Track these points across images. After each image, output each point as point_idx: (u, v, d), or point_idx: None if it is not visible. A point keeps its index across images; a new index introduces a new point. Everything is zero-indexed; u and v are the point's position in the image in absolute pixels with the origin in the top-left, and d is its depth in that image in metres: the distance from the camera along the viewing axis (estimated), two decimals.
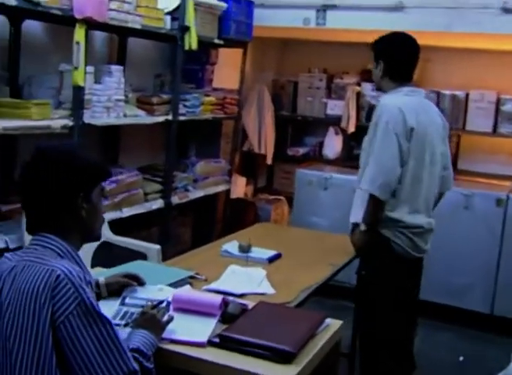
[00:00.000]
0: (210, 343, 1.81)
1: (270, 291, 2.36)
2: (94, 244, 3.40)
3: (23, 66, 3.47)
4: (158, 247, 3.31)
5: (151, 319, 1.78)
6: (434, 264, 4.41)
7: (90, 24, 3.24)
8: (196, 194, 4.61)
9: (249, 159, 6.22)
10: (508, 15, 4.35)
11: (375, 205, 2.77)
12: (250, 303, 2.11)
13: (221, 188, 5.03)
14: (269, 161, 6.13)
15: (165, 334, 1.81)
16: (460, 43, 5.00)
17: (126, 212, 3.81)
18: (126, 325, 1.83)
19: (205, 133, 5.19)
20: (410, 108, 2.79)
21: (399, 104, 2.79)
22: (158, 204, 4.13)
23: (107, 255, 3.48)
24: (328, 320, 2.01)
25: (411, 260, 2.94)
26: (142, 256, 3.30)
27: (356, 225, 2.95)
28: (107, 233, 3.43)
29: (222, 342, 1.80)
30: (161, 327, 1.79)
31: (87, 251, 3.35)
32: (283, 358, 1.72)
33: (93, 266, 3.23)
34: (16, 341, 1.47)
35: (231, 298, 2.09)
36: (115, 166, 4.08)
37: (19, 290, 1.51)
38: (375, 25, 4.67)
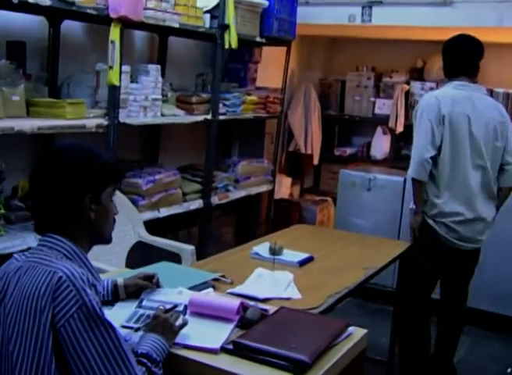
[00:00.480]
0: (223, 349, 1.74)
1: (296, 295, 2.28)
2: (129, 244, 3.40)
3: (62, 66, 3.49)
4: (191, 247, 3.28)
5: (164, 324, 1.72)
6: (482, 270, 4.24)
7: (126, 23, 3.23)
8: (237, 194, 4.56)
9: (295, 159, 6.15)
10: None
11: (415, 186, 3.08)
12: (272, 308, 2.04)
13: (264, 188, 4.97)
14: (316, 161, 6.05)
15: (178, 339, 1.75)
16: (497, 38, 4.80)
17: (164, 212, 3.79)
18: (137, 330, 1.78)
19: (248, 132, 5.14)
20: (448, 99, 3.01)
21: (437, 94, 3.11)
22: (196, 204, 4.10)
23: (141, 256, 3.47)
24: (351, 329, 1.92)
25: (458, 250, 3.12)
26: (176, 257, 3.27)
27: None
28: (141, 233, 3.42)
29: (236, 349, 1.73)
30: (173, 332, 1.73)
31: (122, 250, 3.36)
32: (298, 368, 1.64)
33: (127, 266, 3.22)
34: (16, 343, 1.44)
35: (251, 303, 2.02)
36: (155, 165, 4.07)
37: (22, 291, 1.48)
38: (421, 21, 4.55)
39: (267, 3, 4.36)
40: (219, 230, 4.84)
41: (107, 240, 1.71)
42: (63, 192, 1.58)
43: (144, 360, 1.58)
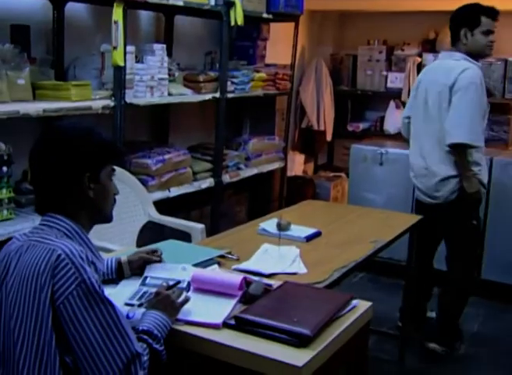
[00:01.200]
0: (225, 325, 1.75)
1: (302, 270, 2.28)
2: (139, 224, 3.42)
3: (67, 48, 3.49)
4: (201, 226, 3.28)
5: (165, 300, 1.74)
6: (496, 241, 4.22)
7: (129, 3, 3.22)
8: (248, 172, 4.56)
9: (308, 136, 6.11)
10: None
11: None
12: (276, 283, 2.04)
13: (275, 166, 4.95)
14: (329, 137, 6.01)
15: (180, 315, 1.76)
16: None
17: (174, 191, 3.80)
18: (140, 305, 1.79)
19: (259, 110, 5.12)
20: (427, 68, 3.60)
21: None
22: (207, 183, 4.10)
23: (152, 236, 3.49)
24: (355, 302, 1.91)
25: (421, 204, 3.55)
26: (186, 235, 3.28)
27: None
28: (151, 213, 3.43)
29: (238, 324, 1.74)
30: (175, 308, 1.75)
31: (132, 231, 3.38)
32: (299, 341, 1.64)
33: (138, 246, 3.24)
34: (17, 321, 1.46)
35: (255, 278, 2.02)
36: (165, 145, 4.07)
37: (22, 270, 1.49)
38: None
39: None
40: (232, 208, 4.85)
41: (107, 219, 1.72)
42: (62, 171, 1.59)
43: (145, 337, 1.60)
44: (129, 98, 3.36)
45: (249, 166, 4.60)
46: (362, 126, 6.08)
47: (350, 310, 1.87)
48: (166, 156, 3.76)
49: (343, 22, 6.26)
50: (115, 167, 1.74)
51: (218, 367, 1.68)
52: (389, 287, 4.26)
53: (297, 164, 5.96)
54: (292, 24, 4.91)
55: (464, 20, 3.32)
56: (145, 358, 1.53)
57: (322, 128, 5.91)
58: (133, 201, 3.39)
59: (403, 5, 5.23)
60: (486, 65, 5.32)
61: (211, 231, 3.54)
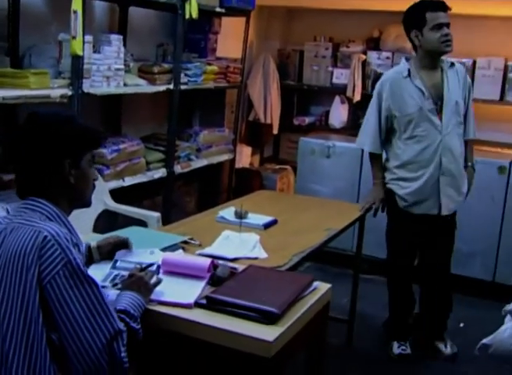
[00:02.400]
0: (197, 304, 1.85)
1: (263, 255, 2.40)
2: (96, 212, 3.46)
3: (22, 36, 3.48)
4: (157, 214, 3.36)
5: (139, 281, 1.82)
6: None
7: None
8: (199, 163, 4.64)
9: (255, 129, 6.22)
10: None
11: None
12: (241, 267, 2.15)
13: (225, 157, 5.05)
14: (275, 130, 6.14)
15: (153, 296, 1.85)
16: (463, 9, 4.93)
17: (128, 181, 3.85)
18: (114, 285, 1.87)
19: (209, 102, 5.19)
20: None
21: None
22: (160, 173, 4.16)
23: (108, 223, 3.54)
24: (316, 283, 2.04)
25: None
26: (142, 224, 3.35)
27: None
28: (108, 202, 3.48)
29: (209, 304, 1.84)
30: (148, 289, 1.83)
31: (89, 218, 3.41)
32: (268, 319, 1.75)
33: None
34: (3, 300, 1.52)
35: (221, 262, 2.13)
36: (118, 135, 4.11)
37: (8, 251, 1.55)
38: None
39: None
40: (182, 199, 4.92)
41: (87, 203, 1.79)
42: (43, 157, 1.65)
43: (123, 316, 1.68)
44: (87, 87, 3.39)
45: (200, 157, 4.68)
46: (308, 120, 6.23)
47: (311, 291, 2.00)
48: (121, 146, 3.81)
49: (291, 18, 6.39)
50: None
51: (192, 345, 1.78)
52: (336, 275, 4.41)
53: (244, 156, 6.07)
54: (241, 19, 5.01)
55: (410, 22, 3.21)
56: (125, 335, 1.61)
57: (269, 121, 6.03)
58: None
59: (348, 3, 5.39)
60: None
61: (162, 221, 3.60)
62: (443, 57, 3.23)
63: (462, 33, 5.48)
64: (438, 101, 3.18)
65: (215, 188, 5.35)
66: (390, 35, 5.79)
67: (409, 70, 3.20)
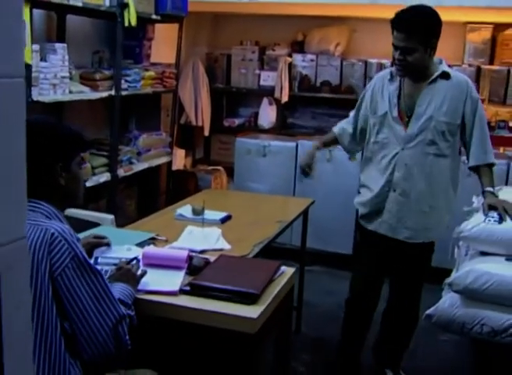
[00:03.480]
0: (182, 291, 2.02)
1: (226, 246, 2.59)
2: None
3: None
4: (111, 216, 3.44)
5: (127, 273, 1.98)
6: None
7: (34, 3, 3.33)
8: (140, 166, 4.76)
9: (187, 132, 6.39)
10: None
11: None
12: (210, 257, 2.33)
13: (163, 160, 5.19)
14: (206, 132, 6.32)
15: (140, 286, 2.01)
16: (387, 14, 5.28)
17: None
18: None
19: (145, 107, 5.31)
20: None
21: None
22: (105, 177, 4.27)
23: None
24: (283, 268, 2.26)
25: None
26: (96, 226, 3.45)
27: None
28: None
29: (193, 290, 2.02)
30: (136, 280, 1.99)
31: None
32: (249, 299, 1.95)
33: None
34: None
35: (194, 254, 2.30)
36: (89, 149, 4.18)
37: None
38: None
39: None
40: (124, 202, 5.02)
41: (79, 202, 1.93)
42: (35, 163, 1.77)
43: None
44: (35, 95, 3.47)
45: (140, 160, 4.80)
46: (237, 121, 6.45)
47: (280, 274, 2.21)
48: None
49: (218, 23, 6.60)
50: None
51: (180, 328, 1.96)
52: None
53: (178, 158, 6.21)
54: (174, 25, 5.17)
55: None
56: (128, 320, 1.77)
57: (200, 124, 6.21)
58: None
59: (273, 8, 5.64)
60: (349, 65, 5.92)
61: None
62: (443, 65, 2.83)
63: (383, 35, 5.87)
64: (410, 112, 2.82)
65: (153, 191, 5.47)
66: (314, 38, 6.10)
67: (391, 73, 2.90)
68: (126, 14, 4.12)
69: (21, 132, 0.93)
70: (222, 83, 6.41)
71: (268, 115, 6.31)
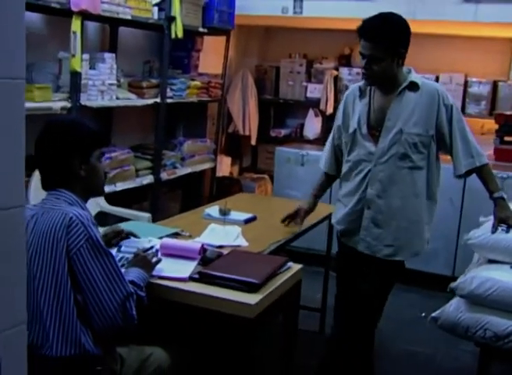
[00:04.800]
0: (191, 278, 2.22)
1: (244, 243, 2.78)
2: (91, 214, 3.80)
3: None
4: (148, 215, 3.72)
5: (143, 260, 2.20)
6: None
7: (86, 16, 3.62)
8: (183, 171, 5.01)
9: (234, 140, 6.63)
10: (468, 4, 4.76)
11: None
12: (225, 252, 2.52)
13: (207, 166, 5.43)
14: (253, 142, 6.54)
15: (154, 272, 2.22)
16: (425, 29, 5.39)
17: (120, 186, 4.21)
18: (121, 266, 2.23)
19: (192, 115, 5.58)
20: None
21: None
22: (148, 179, 4.53)
23: (102, 224, 3.88)
24: (290, 263, 2.43)
25: None
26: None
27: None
28: (102, 204, 3.83)
29: (201, 277, 2.21)
30: (151, 266, 2.21)
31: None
32: (250, 288, 2.13)
33: None
34: (38, 268, 1.88)
35: (209, 247, 2.50)
36: (109, 145, 4.47)
37: (41, 229, 1.91)
38: (346, 13, 5.07)
39: None
40: (167, 204, 5.27)
41: (99, 192, 2.16)
42: (57, 156, 2.02)
43: (131, 285, 2.04)
44: (84, 100, 3.75)
45: (184, 165, 5.06)
46: (284, 132, 6.64)
47: (286, 269, 2.38)
48: (113, 154, 4.17)
49: (268, 36, 6.83)
50: None
51: (187, 311, 2.16)
52: (311, 274, 4.79)
53: (224, 166, 6.45)
54: (222, 37, 5.42)
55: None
56: (135, 297, 1.98)
57: (247, 133, 6.44)
58: None
59: (322, 23, 5.83)
60: None
61: None
62: (411, 75, 2.75)
63: (428, 50, 5.99)
64: (379, 126, 2.75)
65: (197, 195, 5.71)
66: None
67: (360, 88, 2.83)
68: (172, 26, 4.39)
69: (21, 125, 1.13)
70: (270, 95, 6.62)
71: (313, 126, 6.48)
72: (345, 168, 2.91)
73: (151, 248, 2.34)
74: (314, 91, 6.41)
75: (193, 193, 5.66)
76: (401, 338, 4.05)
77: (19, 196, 1.14)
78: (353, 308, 2.94)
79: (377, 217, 2.79)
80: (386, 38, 2.58)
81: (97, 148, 2.12)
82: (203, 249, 2.42)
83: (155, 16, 4.29)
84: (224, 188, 6.03)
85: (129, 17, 4.00)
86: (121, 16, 3.93)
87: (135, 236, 2.54)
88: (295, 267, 2.44)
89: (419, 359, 3.80)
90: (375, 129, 2.76)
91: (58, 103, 3.58)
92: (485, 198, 2.84)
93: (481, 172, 2.81)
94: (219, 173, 6.14)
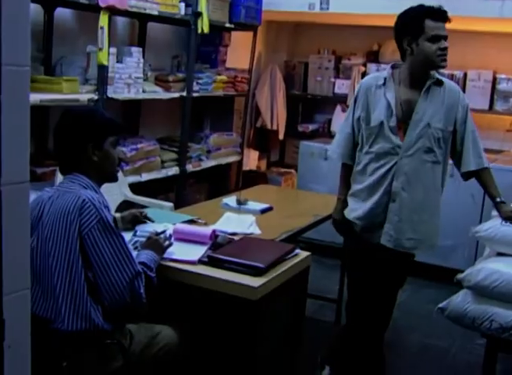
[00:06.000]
0: (200, 262, 2.33)
1: (257, 231, 2.87)
2: (116, 202, 3.94)
3: (55, 48, 4.00)
4: (170, 204, 3.84)
5: (155, 243, 2.31)
6: None
7: (113, 11, 3.75)
8: (208, 163, 5.12)
9: (262, 135, 6.71)
10: (493, 0, 4.76)
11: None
12: (237, 238, 2.62)
13: (232, 159, 5.54)
14: (281, 136, 6.61)
15: (166, 255, 2.34)
16: (452, 25, 5.37)
17: (145, 176, 4.34)
18: (135, 248, 2.35)
19: (219, 109, 5.69)
20: None
21: None
22: (173, 171, 4.65)
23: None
24: (297, 250, 2.51)
25: None
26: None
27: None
28: (127, 193, 3.96)
29: (210, 261, 2.32)
30: (162, 249, 2.32)
31: (110, 208, 3.89)
32: (255, 271, 2.23)
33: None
34: (52, 247, 2.00)
35: (221, 233, 2.60)
36: (136, 136, 4.61)
37: (56, 210, 2.04)
38: (373, 9, 5.12)
39: None
40: (193, 196, 5.39)
41: (112, 178, 2.27)
42: (72, 143, 2.15)
43: (141, 266, 2.15)
44: (110, 93, 3.89)
45: (209, 158, 5.17)
46: (311, 127, 6.70)
47: (293, 255, 2.47)
48: (139, 145, 4.30)
49: (297, 32, 6.89)
50: None
51: (195, 292, 2.26)
52: (330, 266, 4.88)
53: (252, 160, 6.56)
54: (250, 33, 5.51)
55: (406, 28, 2.75)
56: (143, 276, 2.09)
57: (275, 128, 6.51)
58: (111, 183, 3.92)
59: (350, 19, 5.87)
60: None
61: None
62: (435, 72, 2.83)
63: (455, 47, 5.96)
64: (406, 119, 2.78)
65: (223, 187, 5.82)
66: (388, 49, 6.26)
67: (385, 79, 2.84)
68: (199, 22, 4.49)
69: (25, 107, 1.25)
70: (298, 90, 6.68)
71: (340, 121, 6.47)
72: (364, 160, 2.87)
73: (164, 232, 2.45)
74: (341, 86, 6.44)
75: (220, 186, 5.77)
76: (418, 332, 4.11)
77: (23, 173, 1.26)
78: (368, 302, 2.99)
79: (401, 210, 2.81)
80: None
81: (111, 135, 2.23)
82: (214, 235, 2.52)
83: (182, 12, 4.40)
84: (250, 182, 6.12)
85: (156, 13, 4.12)
86: (148, 11, 4.05)
87: (150, 220, 2.65)
88: (303, 254, 2.52)
89: (434, 352, 3.85)
90: (401, 121, 2.79)
91: (85, 95, 3.71)
92: (505, 194, 2.90)
93: (485, 175, 2.90)
94: (246, 167, 6.24)
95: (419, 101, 2.77)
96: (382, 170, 2.81)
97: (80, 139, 2.14)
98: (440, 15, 2.72)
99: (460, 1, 4.79)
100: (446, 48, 2.72)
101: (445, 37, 2.73)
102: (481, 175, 2.90)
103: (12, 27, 1.17)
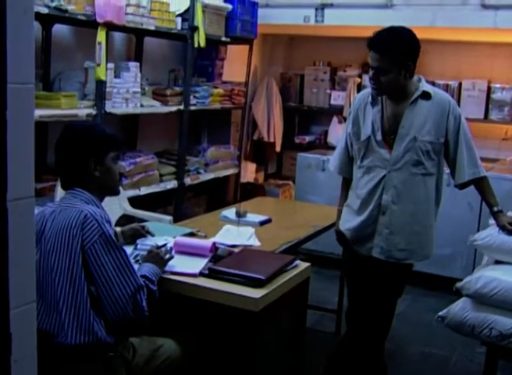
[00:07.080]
0: (201, 274, 2.34)
1: (257, 243, 2.89)
2: (116, 216, 3.96)
3: (53, 64, 4.03)
4: (169, 217, 3.86)
5: (156, 256, 2.33)
6: None
7: (110, 27, 3.79)
8: (207, 176, 5.15)
9: (259, 147, 6.74)
10: (487, 10, 4.81)
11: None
12: (237, 250, 2.64)
13: (230, 172, 5.56)
14: (278, 148, 6.64)
15: (167, 268, 2.35)
16: (447, 36, 5.45)
17: (144, 190, 4.36)
18: (136, 261, 2.37)
19: (216, 122, 5.73)
20: None
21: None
22: (172, 184, 4.68)
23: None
24: (297, 261, 2.53)
25: None
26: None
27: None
28: (126, 207, 3.98)
29: (210, 273, 2.33)
30: (163, 262, 2.33)
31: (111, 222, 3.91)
32: (256, 283, 2.24)
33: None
34: (55, 261, 2.02)
35: (222, 245, 2.62)
36: (134, 150, 4.63)
37: (59, 225, 2.06)
38: (367, 21, 5.15)
39: (231, 7, 4.96)
40: (192, 209, 5.41)
41: (114, 192, 2.29)
42: (73, 158, 2.17)
43: (143, 279, 2.17)
44: (109, 107, 3.92)
45: (207, 170, 5.20)
46: (308, 138, 6.74)
47: (293, 267, 2.49)
48: (137, 159, 4.33)
49: (292, 45, 6.94)
50: None
51: (197, 304, 2.28)
52: (330, 277, 4.89)
53: (249, 172, 6.59)
54: (246, 46, 5.55)
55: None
56: (145, 290, 2.11)
57: (272, 140, 6.55)
58: (111, 197, 3.94)
59: (345, 31, 5.92)
60: None
61: None
62: (423, 84, 2.82)
63: (450, 57, 6.04)
64: (393, 133, 2.80)
65: (221, 200, 5.84)
66: None
67: (372, 95, 2.86)
68: (195, 36, 4.53)
69: (30, 124, 1.28)
70: (294, 102, 6.73)
71: (337, 133, 6.53)
72: (358, 174, 2.94)
73: (165, 245, 2.47)
74: (337, 98, 6.49)
75: (218, 198, 5.79)
76: (418, 341, 4.11)
77: (28, 189, 1.28)
78: (367, 311, 3.03)
79: (392, 223, 2.85)
80: (393, 51, 2.64)
81: (112, 150, 2.25)
82: (214, 247, 2.54)
83: (179, 26, 4.45)
84: (248, 194, 6.15)
85: (152, 28, 4.16)
86: (145, 26, 4.09)
87: (151, 234, 2.67)
88: (302, 265, 2.54)
89: (434, 361, 3.85)
90: (388, 135, 2.82)
91: (83, 110, 3.74)
92: (502, 202, 2.92)
93: (483, 183, 2.91)
94: (244, 179, 6.27)
95: (405, 114, 2.78)
96: (373, 183, 2.86)
97: (82, 154, 2.16)
98: (368, 45, 2.73)
99: (455, 12, 4.85)
100: (373, 79, 2.72)
101: (375, 68, 2.70)
102: (478, 184, 2.92)
103: (16, 46, 1.20)
